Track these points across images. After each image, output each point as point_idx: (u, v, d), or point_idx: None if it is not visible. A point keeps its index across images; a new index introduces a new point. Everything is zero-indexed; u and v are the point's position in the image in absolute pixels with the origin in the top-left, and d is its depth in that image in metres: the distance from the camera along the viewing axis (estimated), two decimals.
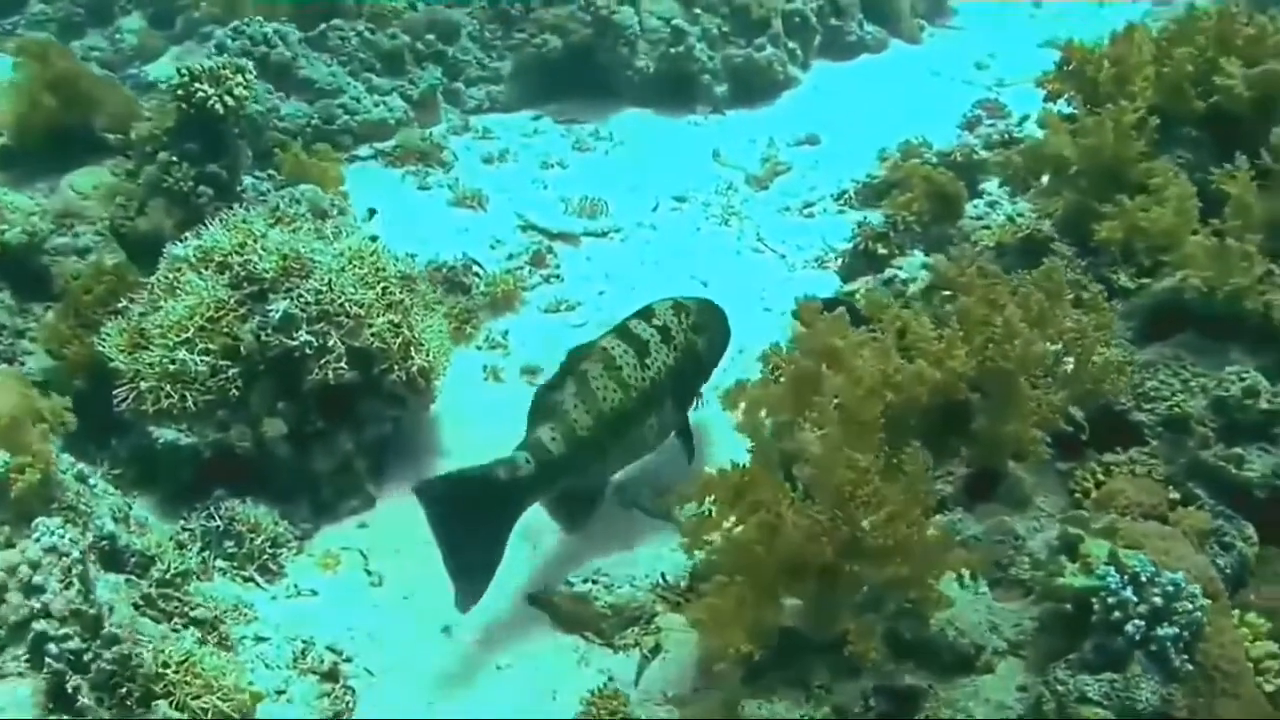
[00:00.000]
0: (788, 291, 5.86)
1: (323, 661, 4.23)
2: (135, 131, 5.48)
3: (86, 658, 3.54)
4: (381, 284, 4.74)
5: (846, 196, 6.74)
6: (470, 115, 7.50)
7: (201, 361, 4.57)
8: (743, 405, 3.69)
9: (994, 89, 7.53)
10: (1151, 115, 4.74)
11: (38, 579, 3.60)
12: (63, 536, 3.70)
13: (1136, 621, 3.13)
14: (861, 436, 3.45)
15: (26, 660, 3.55)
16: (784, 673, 3.47)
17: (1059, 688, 3.18)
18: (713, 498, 3.50)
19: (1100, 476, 3.97)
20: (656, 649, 4.28)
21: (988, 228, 5.40)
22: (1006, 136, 6.45)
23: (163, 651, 3.67)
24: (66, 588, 3.63)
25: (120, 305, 4.84)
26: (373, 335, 4.64)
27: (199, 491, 4.66)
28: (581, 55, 7.56)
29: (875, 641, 3.27)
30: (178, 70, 5.34)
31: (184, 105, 5.31)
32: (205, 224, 4.97)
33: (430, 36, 7.52)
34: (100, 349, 4.71)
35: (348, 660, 4.28)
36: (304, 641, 4.29)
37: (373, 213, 6.25)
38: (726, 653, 3.33)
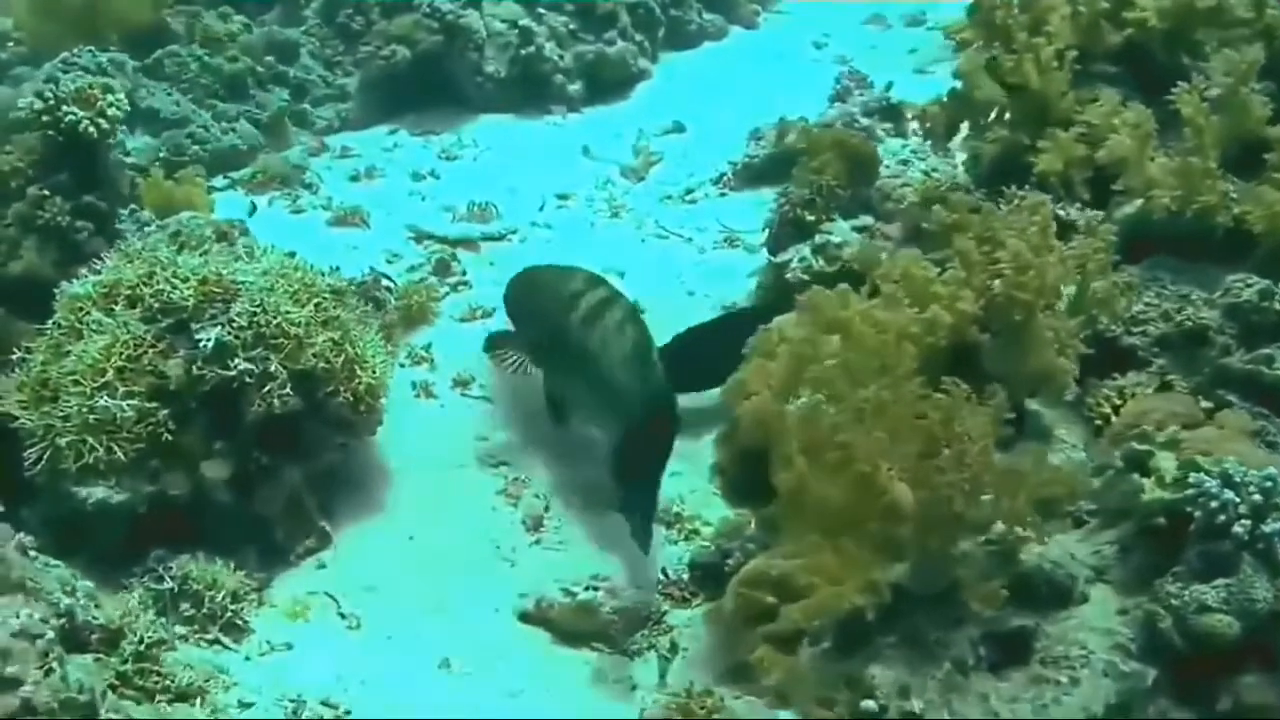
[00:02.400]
0: (703, 273, 5.56)
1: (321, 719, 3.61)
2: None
3: None
4: (314, 300, 4.12)
5: (725, 179, 6.37)
6: (321, 135, 6.83)
7: (128, 406, 3.86)
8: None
9: (846, 64, 7.20)
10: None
11: (11, 669, 2.91)
12: (30, 616, 3.02)
13: (1243, 522, 2.91)
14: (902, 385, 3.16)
15: None
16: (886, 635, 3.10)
17: (1173, 602, 2.93)
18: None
19: (1116, 400, 3.76)
20: (674, 648, 3.90)
21: (907, 185, 5.07)
22: (884, 103, 6.15)
23: None
24: (47, 674, 2.95)
25: (13, 357, 4.10)
26: (314, 356, 4.02)
27: (130, 553, 3.96)
28: (430, 64, 7.01)
29: (998, 585, 2.98)
30: (38, 94, 4.59)
31: (51, 132, 4.56)
32: (97, 259, 4.29)
33: (269, 58, 6.85)
34: None
35: (347, 713, 3.67)
36: (293, 700, 3.69)
37: (254, 208, 5.79)
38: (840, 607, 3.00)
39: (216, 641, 3.86)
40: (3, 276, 4.62)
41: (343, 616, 4.02)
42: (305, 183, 6.29)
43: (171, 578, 3.88)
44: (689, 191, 6.35)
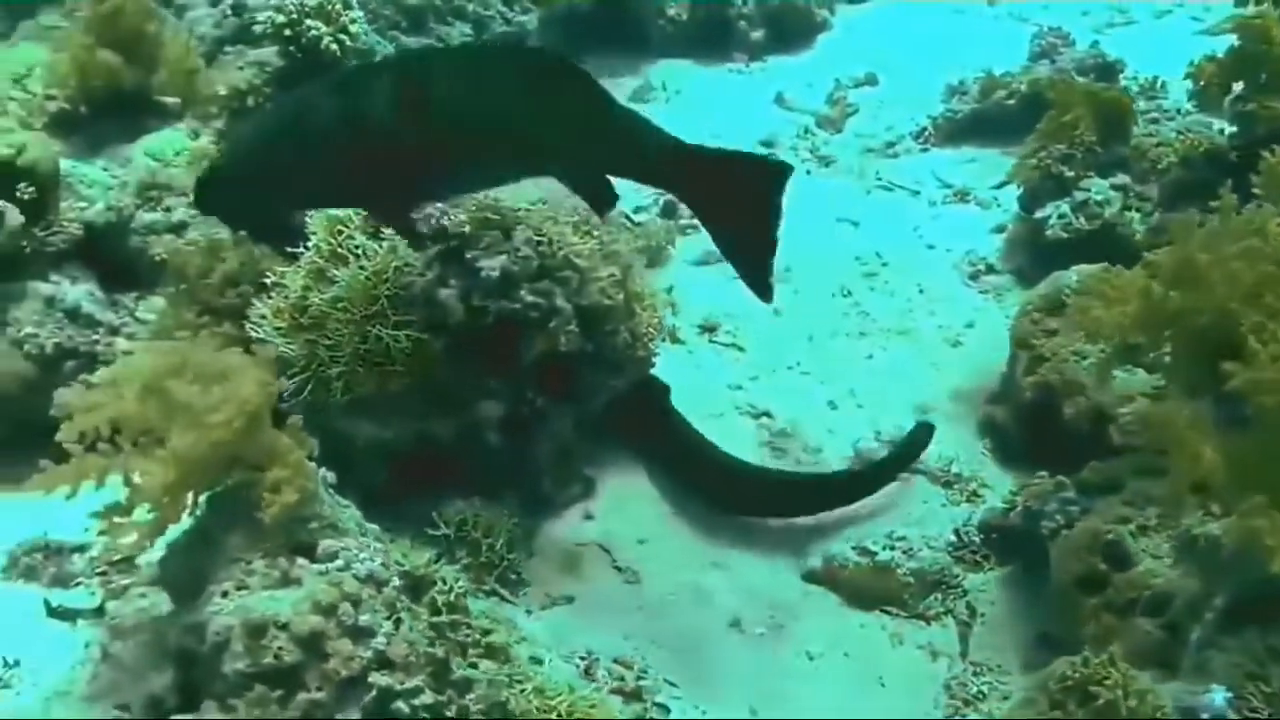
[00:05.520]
0: (940, 228, 5.15)
1: (622, 679, 3.23)
2: (225, 85, 4.26)
3: (449, 714, 2.47)
4: (593, 231, 3.69)
5: (926, 134, 5.93)
6: None
7: (403, 337, 3.45)
8: None
9: (1025, 20, 6.79)
10: None
11: (364, 619, 2.51)
12: (373, 560, 2.61)
13: None
14: None
15: None
16: None
17: None
18: None
19: None
20: (972, 612, 3.57)
21: (1163, 144, 4.65)
22: (1099, 61, 5.73)
23: (534, 695, 2.61)
24: (397, 626, 2.55)
25: (265, 283, 3.69)
26: (598, 291, 3.60)
27: (395, 494, 3.54)
28: (612, 4, 6.53)
29: None
30: (279, 8, 4.16)
31: (291, 48, 4.13)
32: None
33: None
34: (254, 334, 3.55)
35: (643, 674, 3.27)
36: (583, 658, 3.30)
37: None
38: None
39: (494, 593, 3.47)
40: None
41: (619, 570, 3.65)
42: None
43: (446, 523, 3.48)
44: (890, 145, 5.94)
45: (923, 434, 3.92)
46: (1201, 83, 4.46)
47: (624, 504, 3.79)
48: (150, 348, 2.55)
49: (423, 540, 3.44)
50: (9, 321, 3.89)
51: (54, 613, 3.45)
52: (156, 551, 3.48)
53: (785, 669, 3.38)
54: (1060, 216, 4.55)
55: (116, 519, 2.64)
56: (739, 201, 3.11)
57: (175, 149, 4.29)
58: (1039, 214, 4.63)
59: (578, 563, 3.63)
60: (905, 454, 3.91)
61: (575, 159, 3.04)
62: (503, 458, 3.64)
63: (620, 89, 6.35)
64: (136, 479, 2.64)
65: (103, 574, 3.56)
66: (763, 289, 3.13)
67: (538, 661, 3.26)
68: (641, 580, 3.61)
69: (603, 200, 3.09)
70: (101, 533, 2.72)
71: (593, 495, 3.82)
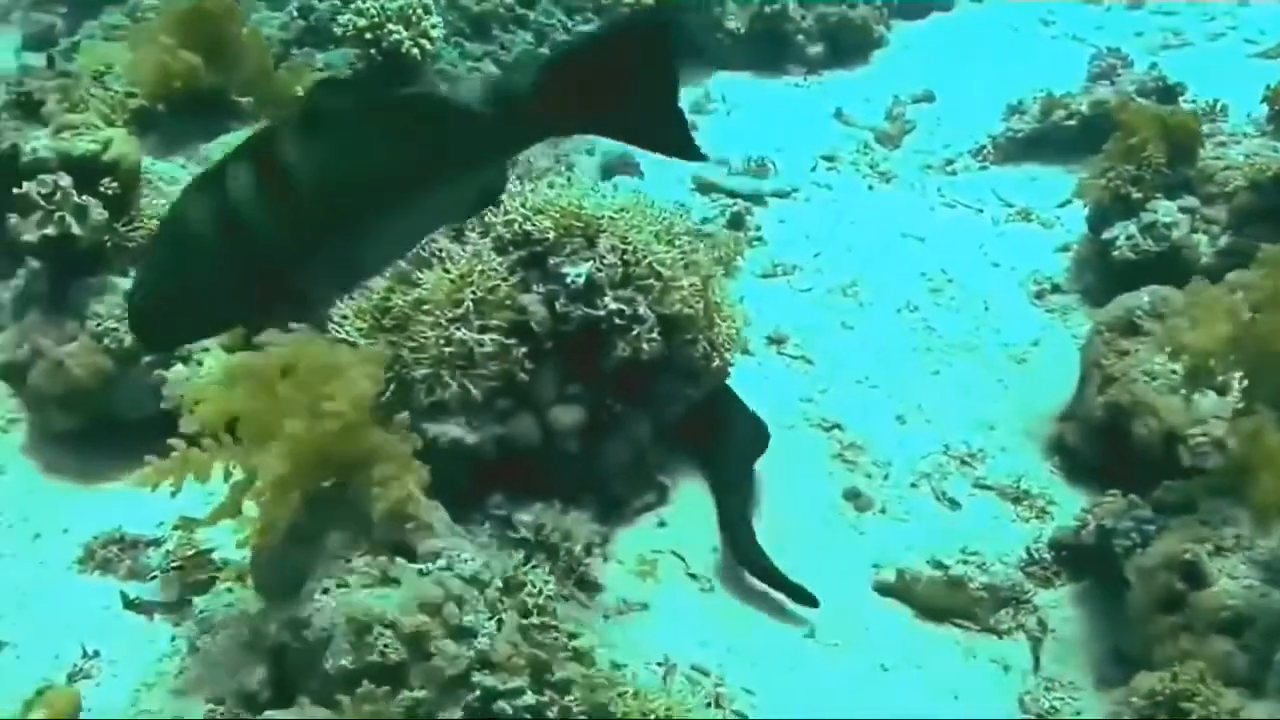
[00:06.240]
0: (1005, 246, 5.14)
1: (699, 686, 3.23)
2: (301, 84, 4.29)
3: (550, 715, 2.49)
4: (675, 241, 3.70)
5: (985, 152, 5.94)
6: None
7: (488, 341, 3.47)
8: None
9: (1082, 41, 6.81)
10: None
11: (468, 619, 2.53)
12: (475, 561, 2.63)
13: None
14: None
15: None
16: None
17: None
18: None
19: None
20: (1043, 628, 3.56)
21: (1231, 168, 4.65)
22: (1160, 84, 5.75)
23: (633, 698, 2.62)
24: (499, 626, 2.57)
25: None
26: (679, 300, 3.61)
27: (474, 498, 3.56)
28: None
29: None
30: (360, 11, 4.19)
31: (371, 51, 4.16)
32: None
33: (510, 0, 6.42)
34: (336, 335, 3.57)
35: (721, 682, 3.28)
36: (660, 664, 3.30)
37: None
38: None
39: (572, 597, 3.48)
40: None
41: (693, 577, 3.64)
42: None
43: (526, 527, 3.49)
44: (948, 162, 5.95)
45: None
46: (1277, 107, 4.47)
47: (697, 512, 3.79)
48: (264, 342, 2.55)
49: (501, 543, 3.47)
50: (89, 316, 3.92)
51: (131, 605, 3.48)
52: (233, 548, 3.54)
53: (861, 680, 3.37)
54: (1128, 238, 4.55)
55: (222, 514, 2.66)
56: (631, 79, 2.60)
57: None
58: (1106, 235, 4.63)
59: (653, 569, 3.62)
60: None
61: (455, 174, 2.72)
62: (580, 463, 3.65)
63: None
64: (240, 473, 2.67)
65: (179, 569, 3.59)
66: (688, 150, 2.72)
67: (618, 666, 3.28)
68: (716, 588, 3.61)
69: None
70: (204, 525, 2.74)
71: (666, 502, 3.82)
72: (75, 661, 3.34)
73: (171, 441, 2.64)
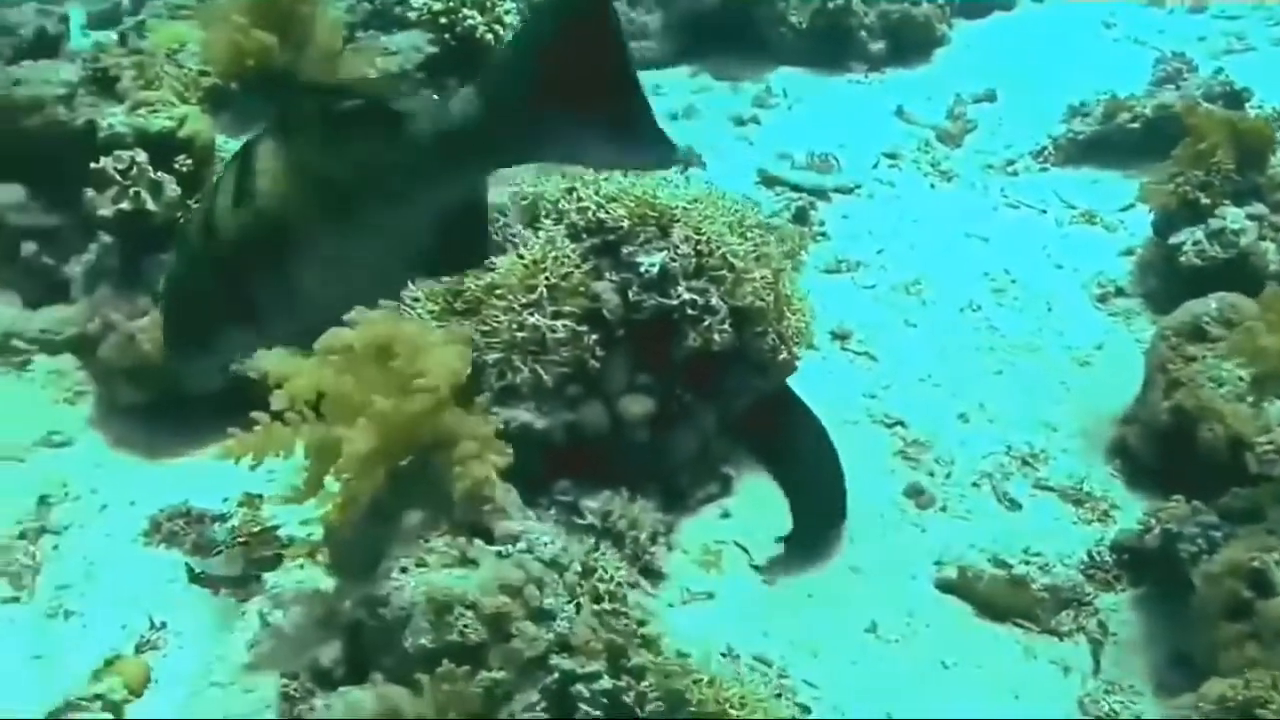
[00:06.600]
0: (1068, 248, 5.15)
1: (765, 677, 3.24)
2: (376, 69, 4.32)
3: (626, 699, 2.50)
4: (748, 232, 3.71)
5: (1046, 153, 5.91)
6: None
7: (561, 327, 3.48)
8: None
9: (1143, 44, 6.77)
10: None
11: (548, 602, 2.54)
12: (554, 544, 2.64)
13: None
14: None
15: (543, 709, 2.49)
16: None
17: None
18: None
19: None
20: (1104, 630, 3.53)
21: None
22: (1226, 89, 5.70)
23: (708, 686, 2.63)
24: (578, 610, 2.58)
25: None
26: (751, 292, 3.62)
27: (541, 484, 3.57)
28: (735, 9, 6.54)
29: None
30: None
31: (445, 35, 4.17)
32: None
33: None
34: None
35: (784, 673, 3.29)
36: (724, 654, 3.30)
37: None
38: None
39: (636, 585, 3.48)
40: None
41: (757, 569, 3.65)
42: None
43: (593, 514, 3.51)
44: (1009, 162, 5.92)
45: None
46: None
47: (760, 504, 3.80)
48: (354, 319, 2.57)
49: (568, 529, 3.48)
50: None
51: (196, 579, 3.51)
52: (297, 524, 3.57)
53: (921, 676, 3.37)
54: (1195, 244, 4.52)
55: (308, 492, 2.68)
56: (585, 83, 2.29)
57: None
58: (1172, 240, 4.61)
59: (716, 560, 3.64)
60: None
61: (403, 194, 2.63)
62: (647, 451, 3.66)
63: (740, 94, 6.39)
64: (323, 449, 2.69)
65: (244, 544, 3.62)
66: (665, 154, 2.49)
67: (683, 655, 3.29)
68: (778, 582, 3.61)
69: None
70: (287, 501, 2.76)
71: (730, 493, 3.83)
72: (142, 633, 3.38)
73: (255, 415, 2.65)
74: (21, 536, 3.71)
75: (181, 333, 3.19)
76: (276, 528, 3.66)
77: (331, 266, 2.69)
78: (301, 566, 3.33)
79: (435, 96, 3.48)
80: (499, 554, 2.67)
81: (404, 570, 2.64)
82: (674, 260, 3.55)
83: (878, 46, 6.79)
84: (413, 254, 2.85)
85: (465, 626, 2.50)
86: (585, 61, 2.25)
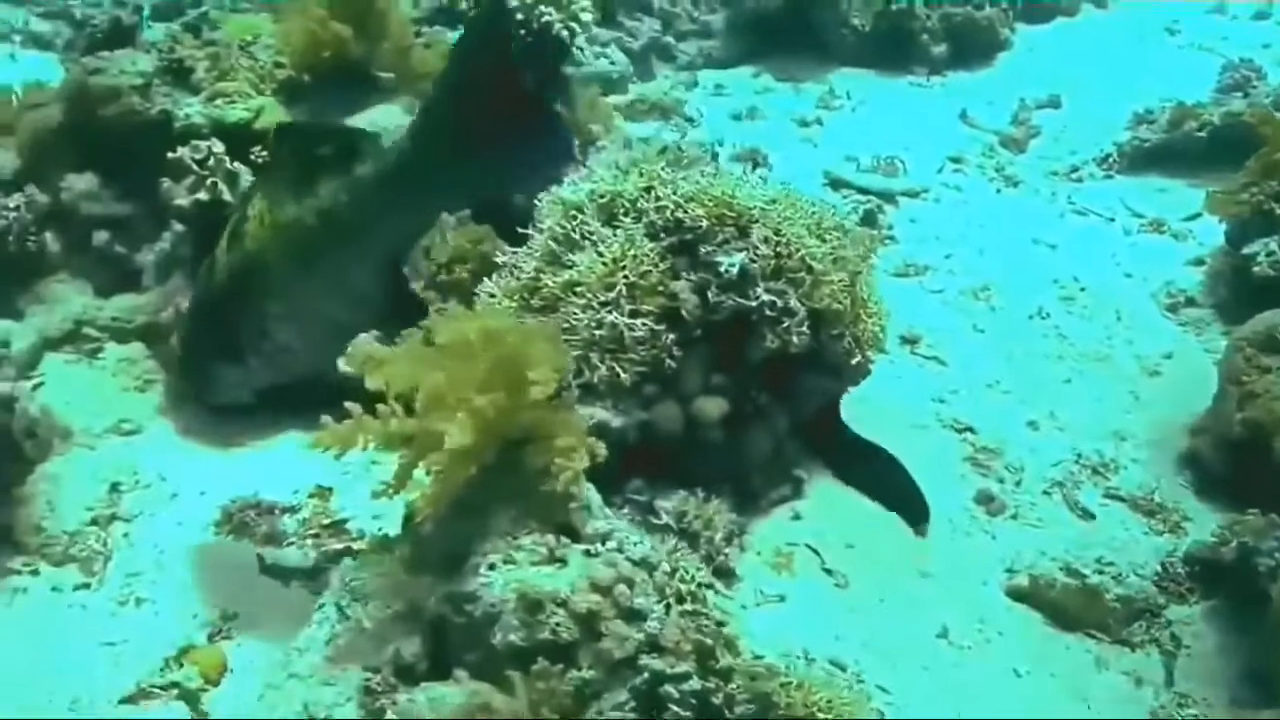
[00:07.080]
0: (1136, 256, 5.11)
1: (842, 680, 3.22)
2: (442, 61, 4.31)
3: (715, 701, 2.49)
4: (825, 235, 3.69)
5: (1111, 160, 5.86)
6: (682, 71, 6.41)
7: (640, 325, 3.47)
8: None
9: (1208, 51, 6.72)
10: None
11: (639, 601, 2.53)
12: (643, 544, 2.64)
13: None
14: None
15: (631, 709, 2.48)
16: None
17: None
18: None
19: None
20: (1177, 643, 3.51)
21: None
22: None
23: (796, 689, 2.62)
24: (668, 610, 2.57)
25: (495, 261, 3.74)
26: (828, 295, 3.60)
27: (615, 482, 3.56)
28: (797, 10, 6.52)
29: None
30: None
31: (521, 31, 4.17)
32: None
33: None
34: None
35: (858, 677, 3.26)
36: (798, 657, 3.28)
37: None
38: None
39: (710, 586, 3.47)
40: None
41: (829, 572, 3.63)
42: (686, 116, 5.86)
43: (667, 513, 3.50)
44: (1074, 169, 5.89)
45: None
46: None
47: (831, 507, 3.78)
48: (454, 314, 2.57)
49: (642, 529, 3.48)
50: None
51: (267, 570, 3.52)
52: (368, 518, 3.58)
53: (994, 684, 3.36)
54: (1269, 254, 4.49)
55: (399, 485, 2.68)
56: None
57: (396, 125, 4.34)
58: (1245, 250, 4.57)
59: (788, 562, 3.62)
60: None
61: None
62: (721, 452, 3.64)
63: (802, 95, 6.37)
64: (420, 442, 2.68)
65: (314, 536, 3.63)
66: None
67: (757, 657, 3.28)
68: (850, 584, 3.59)
69: None
70: (375, 496, 2.76)
71: (801, 496, 3.81)
72: (214, 622, 3.39)
73: (349, 406, 2.66)
74: (93, 523, 3.73)
75: (190, 358, 3.32)
76: (346, 521, 3.68)
77: (296, 317, 2.85)
78: (379, 560, 3.32)
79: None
80: (587, 552, 2.66)
81: (492, 567, 2.64)
82: (753, 261, 3.53)
83: (940, 49, 6.76)
84: (365, 305, 3.03)
85: (557, 625, 2.49)
86: (497, 99, 2.42)
